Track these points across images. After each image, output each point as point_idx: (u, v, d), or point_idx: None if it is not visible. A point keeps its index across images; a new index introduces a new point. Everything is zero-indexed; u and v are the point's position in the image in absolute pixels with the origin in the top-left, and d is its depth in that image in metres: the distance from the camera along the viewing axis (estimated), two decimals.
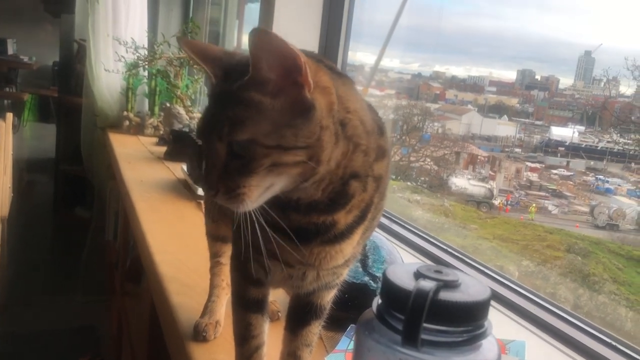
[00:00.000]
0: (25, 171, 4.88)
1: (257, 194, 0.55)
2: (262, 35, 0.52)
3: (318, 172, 0.56)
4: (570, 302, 2.26)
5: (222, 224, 0.88)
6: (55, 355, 2.60)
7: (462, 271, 0.46)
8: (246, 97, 0.54)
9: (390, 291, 0.44)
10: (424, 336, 0.41)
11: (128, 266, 2.04)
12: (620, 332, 2.03)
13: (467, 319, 0.42)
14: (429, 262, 1.29)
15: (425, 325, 0.41)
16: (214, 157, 0.55)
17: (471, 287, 0.43)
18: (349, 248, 0.62)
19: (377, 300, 0.46)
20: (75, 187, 3.97)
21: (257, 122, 0.53)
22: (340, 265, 0.64)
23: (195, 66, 2.14)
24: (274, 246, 0.60)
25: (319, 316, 0.69)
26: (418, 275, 0.44)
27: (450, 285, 0.43)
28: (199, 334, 0.87)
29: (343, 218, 0.59)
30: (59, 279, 3.22)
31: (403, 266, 0.46)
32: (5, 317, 2.32)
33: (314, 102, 0.54)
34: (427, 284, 0.41)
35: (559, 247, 2.52)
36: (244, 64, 0.55)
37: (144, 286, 1.91)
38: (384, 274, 0.45)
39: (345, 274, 0.69)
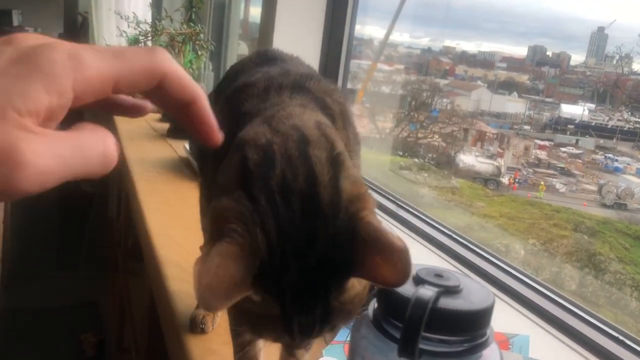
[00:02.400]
0: None
1: None
2: None
3: None
4: (576, 281, 2.26)
5: None
6: (58, 331, 2.62)
7: (464, 274, 0.43)
8: None
9: (388, 297, 0.41)
10: (422, 346, 0.38)
11: (130, 244, 2.03)
12: (625, 311, 2.03)
13: (468, 328, 0.39)
14: (433, 248, 1.27)
15: (424, 334, 0.38)
16: None
17: (473, 293, 0.41)
18: None
19: (373, 305, 0.43)
20: None
21: None
22: None
23: (198, 42, 2.10)
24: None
25: None
26: (417, 279, 0.41)
27: (451, 291, 0.40)
28: (197, 326, 0.84)
29: None
30: (62, 255, 3.23)
31: None
32: (9, 293, 2.34)
33: None
34: (427, 292, 0.39)
35: (565, 226, 2.51)
36: None
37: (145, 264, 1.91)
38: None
39: None
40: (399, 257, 0.37)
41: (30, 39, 0.30)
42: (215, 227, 0.39)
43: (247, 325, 0.43)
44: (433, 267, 0.43)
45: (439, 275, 0.41)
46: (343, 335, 0.85)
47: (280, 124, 0.45)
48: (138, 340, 1.66)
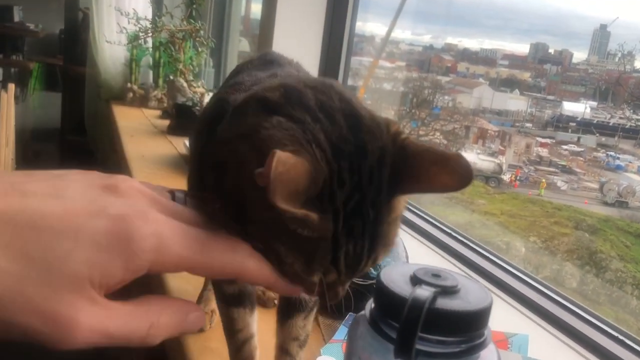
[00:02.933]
0: (32, 141, 4.87)
1: None
2: None
3: None
4: (576, 278, 2.25)
5: None
6: None
7: (463, 274, 0.43)
8: None
9: (384, 297, 0.41)
10: (419, 346, 0.38)
11: None
12: (626, 310, 2.02)
13: (465, 329, 0.39)
14: (433, 247, 1.26)
15: (420, 334, 0.38)
16: None
17: (471, 293, 0.40)
18: None
19: (370, 305, 0.43)
20: (81, 158, 3.96)
21: None
22: None
23: (198, 38, 2.10)
24: None
25: (300, 309, 0.65)
26: (415, 279, 0.41)
27: (449, 291, 0.39)
28: None
29: None
30: None
31: (399, 268, 0.43)
32: None
33: None
34: (424, 292, 0.38)
35: (566, 223, 2.51)
36: None
37: None
38: (377, 277, 0.42)
39: None
40: (457, 163, 0.36)
41: (133, 192, 0.32)
42: (265, 155, 0.34)
43: (293, 256, 0.39)
44: (431, 267, 0.43)
45: (436, 275, 0.41)
46: (341, 334, 0.85)
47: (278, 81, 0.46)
48: None
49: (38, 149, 5.00)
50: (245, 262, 0.35)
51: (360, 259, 0.41)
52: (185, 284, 0.98)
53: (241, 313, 0.65)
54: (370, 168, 0.38)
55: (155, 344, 0.32)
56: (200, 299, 0.87)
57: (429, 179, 0.38)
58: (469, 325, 0.39)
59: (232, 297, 0.65)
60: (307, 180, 0.35)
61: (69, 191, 0.30)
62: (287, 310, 0.66)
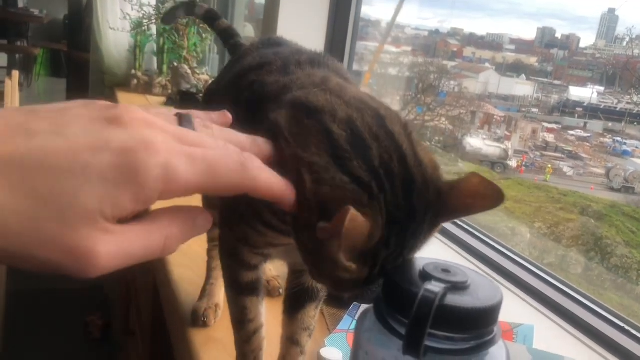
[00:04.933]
0: None
1: None
2: None
3: None
4: (582, 264, 2.25)
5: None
6: (64, 313, 2.64)
7: (471, 270, 0.42)
8: None
9: (393, 292, 0.40)
10: (427, 343, 0.37)
11: None
12: (631, 295, 2.02)
13: (475, 326, 0.38)
14: (437, 235, 1.25)
15: (429, 331, 0.37)
16: None
17: (481, 289, 0.39)
18: None
19: (378, 299, 0.42)
20: None
21: None
22: None
23: (201, 25, 2.08)
24: (269, 239, 0.57)
25: (313, 298, 0.66)
26: (424, 275, 0.40)
27: (459, 287, 0.39)
28: (199, 319, 0.83)
29: None
30: None
31: (408, 262, 0.43)
32: (16, 275, 2.35)
33: None
34: (434, 289, 0.37)
35: (572, 209, 2.50)
36: None
37: None
38: (386, 273, 0.42)
39: None
40: (485, 188, 0.40)
41: (136, 122, 0.32)
42: (326, 208, 0.39)
43: (327, 282, 0.45)
44: (440, 261, 0.42)
45: (446, 271, 0.40)
46: (346, 324, 0.85)
47: (342, 94, 0.46)
48: (143, 324, 1.67)
49: None
50: (256, 177, 0.35)
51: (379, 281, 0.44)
52: (190, 272, 0.98)
53: (254, 302, 0.65)
54: (416, 228, 0.41)
55: (172, 253, 0.34)
56: (204, 293, 0.87)
57: (466, 209, 0.42)
58: (479, 322, 0.38)
59: (248, 285, 0.64)
60: (366, 241, 0.39)
61: (72, 127, 0.30)
62: (298, 300, 0.66)
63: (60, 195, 0.28)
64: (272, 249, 0.60)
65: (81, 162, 0.29)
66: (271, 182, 0.37)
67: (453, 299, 0.38)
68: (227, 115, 0.42)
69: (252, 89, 0.56)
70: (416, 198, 0.41)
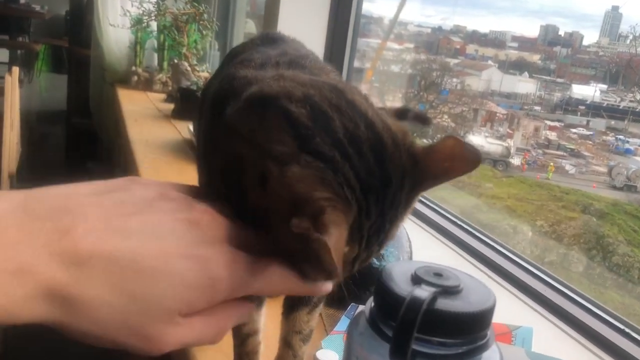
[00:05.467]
0: (38, 123, 4.87)
1: None
2: None
3: None
4: (583, 263, 2.25)
5: None
6: None
7: (465, 273, 0.41)
8: None
9: (384, 296, 0.40)
10: (417, 348, 0.37)
11: None
12: (632, 294, 2.01)
13: (466, 330, 0.38)
14: (436, 234, 1.25)
15: (419, 335, 0.36)
16: None
17: (473, 293, 0.39)
18: None
19: (370, 303, 0.42)
20: (87, 141, 3.96)
21: None
22: None
23: (202, 22, 2.07)
24: None
25: (305, 303, 0.64)
26: (415, 279, 0.39)
27: (450, 291, 0.38)
28: None
29: None
30: None
31: (401, 265, 0.42)
32: None
33: None
34: (422, 293, 0.37)
35: (574, 207, 2.50)
36: None
37: None
38: (378, 276, 0.41)
39: None
40: (462, 149, 0.39)
41: (212, 226, 0.39)
42: (298, 199, 0.37)
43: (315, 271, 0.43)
44: (433, 265, 0.41)
45: (438, 274, 0.40)
46: (343, 325, 0.84)
47: (297, 78, 0.44)
48: None
49: (44, 132, 5.01)
50: (273, 283, 0.40)
51: (370, 258, 0.44)
52: None
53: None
54: (394, 194, 0.40)
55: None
56: None
57: (445, 173, 0.41)
58: (470, 327, 0.37)
59: None
60: (346, 228, 0.38)
61: (161, 229, 0.35)
62: (292, 303, 0.65)
63: (151, 295, 0.34)
64: None
65: (170, 267, 0.34)
66: (286, 283, 0.42)
67: (444, 303, 0.37)
68: None
69: (221, 84, 0.53)
70: (389, 162, 0.39)
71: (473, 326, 0.38)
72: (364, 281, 0.85)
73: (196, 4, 2.07)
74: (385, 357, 0.38)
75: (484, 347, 0.39)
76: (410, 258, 0.92)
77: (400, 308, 0.36)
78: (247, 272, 0.37)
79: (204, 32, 2.14)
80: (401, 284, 0.39)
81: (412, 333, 0.35)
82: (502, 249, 1.14)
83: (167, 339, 0.35)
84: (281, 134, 0.39)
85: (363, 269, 0.87)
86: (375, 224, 0.40)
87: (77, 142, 4.12)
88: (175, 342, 0.35)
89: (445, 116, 3.44)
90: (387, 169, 0.39)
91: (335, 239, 0.36)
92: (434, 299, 0.37)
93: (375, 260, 0.89)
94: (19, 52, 6.47)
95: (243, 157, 0.41)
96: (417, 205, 1.38)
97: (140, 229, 0.35)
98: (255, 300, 0.65)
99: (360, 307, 0.77)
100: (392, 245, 0.90)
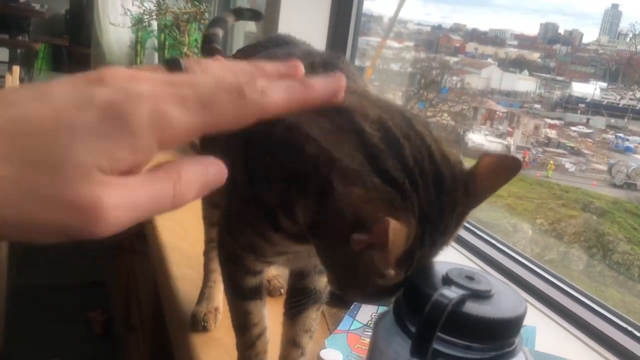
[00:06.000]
0: None
1: None
2: None
3: None
4: (583, 261, 2.25)
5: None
6: (66, 309, 2.63)
7: (499, 280, 0.41)
8: None
9: (412, 293, 0.39)
10: (441, 348, 0.36)
11: (137, 225, 2.02)
12: (632, 292, 2.01)
13: (493, 336, 0.37)
14: None
15: (444, 336, 0.36)
16: None
17: (504, 299, 0.38)
18: None
19: (398, 299, 0.41)
20: None
21: None
22: None
23: (203, 21, 2.06)
24: (275, 245, 0.55)
25: (315, 300, 0.65)
26: (446, 280, 0.39)
27: (481, 295, 0.38)
28: (198, 324, 0.81)
29: None
30: None
31: (433, 265, 0.42)
32: (16, 271, 2.34)
33: None
34: (450, 293, 0.36)
35: (574, 205, 2.50)
36: None
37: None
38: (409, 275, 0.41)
39: None
40: (504, 162, 0.41)
41: (119, 78, 0.31)
42: (362, 219, 0.39)
43: (356, 292, 0.45)
44: (466, 268, 0.41)
45: (470, 278, 0.39)
46: (346, 324, 0.83)
47: (368, 95, 0.46)
48: (144, 319, 1.67)
49: None
50: (259, 100, 0.32)
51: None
52: (190, 271, 0.97)
53: (258, 305, 0.64)
54: (446, 225, 0.42)
55: (186, 204, 0.32)
56: (202, 296, 0.85)
57: (492, 188, 0.43)
58: (498, 333, 0.37)
59: (251, 290, 0.63)
60: (406, 246, 0.39)
61: (53, 93, 0.30)
62: (300, 303, 0.65)
63: (52, 155, 0.28)
64: (279, 257, 0.58)
65: (66, 121, 0.28)
66: (287, 94, 0.33)
67: (473, 307, 0.37)
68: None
69: None
70: (447, 195, 0.41)
71: (500, 332, 0.37)
72: None
73: (197, 3, 2.06)
74: (407, 354, 0.37)
75: (510, 355, 0.38)
76: None
77: (426, 306, 0.36)
78: (198, 102, 0.31)
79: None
80: (431, 283, 0.39)
81: (435, 332, 0.35)
82: (504, 247, 1.14)
83: (102, 201, 0.28)
84: (352, 147, 0.41)
85: None
86: (426, 252, 0.41)
87: None
88: (115, 203, 0.28)
89: (445, 114, 3.44)
90: (444, 202, 0.41)
91: (394, 246, 0.37)
92: (461, 300, 0.36)
93: None
94: (18, 51, 6.45)
95: (305, 155, 0.42)
96: None
97: (29, 97, 0.30)
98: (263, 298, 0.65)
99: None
100: None
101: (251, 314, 0.63)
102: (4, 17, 6.11)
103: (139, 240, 1.96)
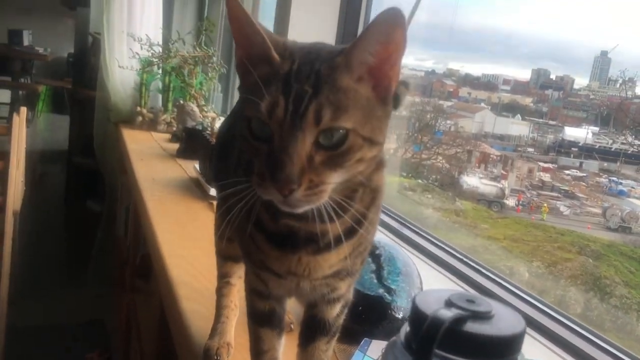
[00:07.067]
0: (39, 163, 4.89)
1: (332, 189, 0.52)
2: (395, 15, 0.49)
3: (365, 173, 0.54)
4: (581, 304, 2.24)
5: (234, 243, 0.81)
6: (64, 349, 2.61)
7: (498, 301, 0.44)
8: (339, 80, 0.50)
9: (417, 318, 0.42)
10: None
11: (138, 262, 2.03)
12: (632, 336, 2.01)
13: (494, 354, 0.40)
14: (442, 270, 1.28)
15: (446, 355, 0.39)
16: (295, 148, 0.49)
17: (504, 320, 0.42)
18: (334, 259, 0.60)
19: (405, 327, 0.45)
20: (87, 180, 3.97)
21: (356, 110, 0.50)
22: (329, 275, 0.61)
23: (211, 64, 2.13)
24: (262, 256, 0.60)
25: (325, 333, 0.67)
26: (448, 303, 0.42)
27: (481, 316, 0.41)
28: (211, 358, 0.82)
29: (334, 228, 0.56)
30: (69, 272, 3.23)
31: (435, 293, 0.45)
32: (15, 310, 2.33)
33: (391, 97, 0.53)
34: (446, 313, 0.40)
35: (570, 248, 2.50)
36: (309, 47, 0.55)
37: (154, 283, 1.90)
38: (413, 300, 0.44)
39: (343, 289, 0.65)
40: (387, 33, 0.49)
41: None
42: None
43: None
44: (468, 293, 0.44)
45: (470, 301, 0.43)
46: (357, 359, 0.85)
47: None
48: (146, 358, 1.66)
49: (44, 171, 5.03)
50: None
51: (302, 100, 0.50)
52: (199, 306, 0.99)
53: (269, 334, 0.67)
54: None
55: None
56: (215, 331, 0.86)
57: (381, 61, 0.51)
58: (498, 350, 0.40)
59: (262, 316, 0.66)
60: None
61: None
62: (310, 334, 0.67)
63: None
64: (267, 274, 0.62)
65: None
66: None
67: (473, 327, 0.40)
68: None
69: None
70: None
71: (501, 350, 0.40)
72: (375, 316, 0.88)
73: (205, 47, 2.13)
74: None
75: None
76: None
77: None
78: None
79: (210, 75, 2.19)
80: (432, 306, 0.42)
81: (432, 348, 0.38)
82: (506, 284, 1.17)
83: None
84: None
85: (374, 303, 0.90)
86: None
87: (77, 181, 4.13)
88: None
89: (440, 157, 3.46)
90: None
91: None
92: (461, 319, 0.40)
93: (387, 295, 0.92)
94: (20, 92, 6.54)
95: None
96: (425, 244, 1.41)
97: None
98: (277, 328, 0.68)
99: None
100: (403, 280, 0.93)
101: (262, 341, 0.66)
102: (7, 60, 6.22)
103: (139, 278, 1.97)
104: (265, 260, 0.60)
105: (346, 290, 0.66)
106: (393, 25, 0.49)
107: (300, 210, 0.51)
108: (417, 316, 0.42)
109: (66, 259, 3.49)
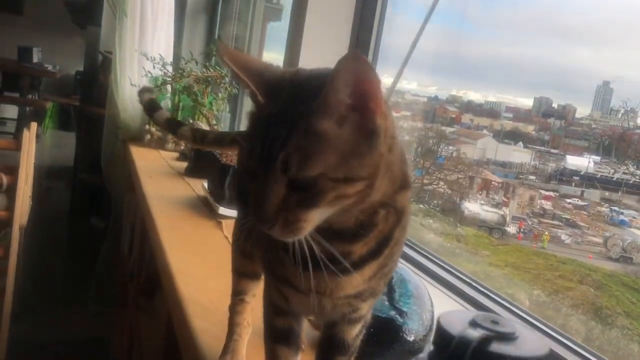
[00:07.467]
0: (44, 178, 4.91)
1: (314, 224, 0.53)
2: (357, 58, 0.50)
3: (368, 201, 0.54)
4: (582, 334, 2.23)
5: (252, 260, 0.83)
6: None
7: (524, 325, 0.46)
8: (314, 125, 0.51)
9: (442, 339, 0.44)
10: None
11: (143, 280, 2.03)
12: None
13: None
14: (451, 294, 1.28)
15: None
16: (270, 190, 0.52)
17: (529, 342, 0.43)
18: (359, 280, 0.60)
19: (428, 348, 0.46)
20: (92, 197, 3.99)
21: (328, 155, 0.51)
22: (352, 295, 0.62)
23: (222, 84, 2.17)
24: (285, 271, 0.61)
25: (343, 353, 0.66)
26: (473, 323, 0.44)
27: (506, 337, 0.42)
28: None
29: (359, 249, 0.58)
30: (72, 289, 3.22)
31: (458, 314, 0.46)
32: (17, 326, 2.32)
33: (380, 128, 0.53)
34: (473, 333, 0.41)
35: (571, 277, 2.49)
36: (299, 84, 0.55)
37: (158, 301, 1.90)
38: (438, 320, 0.45)
39: (365, 310, 0.65)
40: (354, 76, 0.50)
41: None
42: None
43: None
44: (491, 314, 0.46)
45: (494, 322, 0.44)
46: None
47: None
48: None
49: (50, 186, 5.04)
50: None
51: (275, 145, 0.52)
52: (209, 325, 0.99)
53: (285, 352, 0.67)
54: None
55: None
56: (227, 349, 0.86)
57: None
58: None
59: (280, 333, 0.67)
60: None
61: None
62: (328, 354, 0.67)
63: None
64: (290, 290, 0.63)
65: None
66: None
67: (498, 347, 0.41)
68: None
69: None
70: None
71: None
72: (387, 338, 0.89)
73: (218, 68, 2.16)
74: None
75: None
76: (433, 317, 0.95)
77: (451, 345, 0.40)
78: None
79: (220, 95, 2.22)
80: (458, 326, 0.43)
81: None
82: (514, 308, 1.18)
83: None
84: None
85: (386, 326, 0.91)
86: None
87: (82, 198, 4.15)
88: None
89: (442, 183, 3.47)
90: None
91: None
92: (486, 340, 0.41)
93: (398, 317, 0.92)
94: (27, 109, 6.58)
95: None
96: (425, 261, 1.41)
97: None
98: (293, 346, 0.68)
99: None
100: (414, 303, 0.93)
101: (278, 357, 0.67)
102: (16, 76, 6.28)
103: (144, 296, 1.97)
104: (287, 276, 0.61)
105: (367, 311, 0.66)
106: (356, 71, 0.50)
107: (285, 240, 0.54)
108: (442, 336, 0.43)
109: (69, 275, 3.48)
